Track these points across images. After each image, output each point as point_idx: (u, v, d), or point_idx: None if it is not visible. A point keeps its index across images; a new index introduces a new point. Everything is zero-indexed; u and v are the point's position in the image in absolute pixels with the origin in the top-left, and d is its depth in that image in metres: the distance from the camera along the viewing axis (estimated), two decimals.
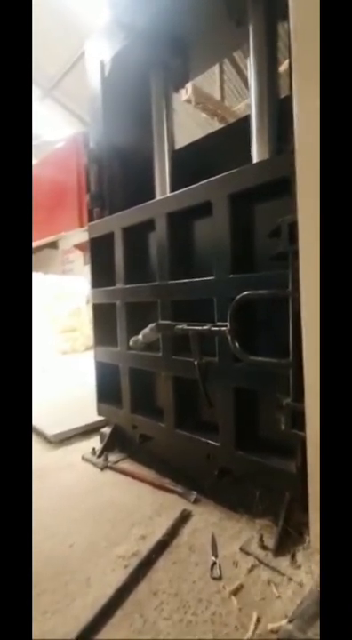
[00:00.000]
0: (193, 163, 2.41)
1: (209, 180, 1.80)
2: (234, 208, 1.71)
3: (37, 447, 2.80)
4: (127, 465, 2.37)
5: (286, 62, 1.64)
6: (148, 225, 2.16)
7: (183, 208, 1.96)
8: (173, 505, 1.91)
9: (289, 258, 1.39)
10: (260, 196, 1.69)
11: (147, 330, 2.12)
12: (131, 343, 2.27)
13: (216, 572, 1.44)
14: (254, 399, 1.85)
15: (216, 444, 1.85)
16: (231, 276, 1.70)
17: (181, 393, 2.09)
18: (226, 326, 1.66)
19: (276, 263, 1.52)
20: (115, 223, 2.39)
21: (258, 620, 1.22)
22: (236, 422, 1.77)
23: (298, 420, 1.38)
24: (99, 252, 2.58)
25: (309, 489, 1.30)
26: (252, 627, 1.20)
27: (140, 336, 2.18)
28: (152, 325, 2.07)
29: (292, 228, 1.32)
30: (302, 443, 1.35)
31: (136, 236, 2.35)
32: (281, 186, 1.44)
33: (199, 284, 1.87)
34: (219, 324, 1.73)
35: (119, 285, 2.38)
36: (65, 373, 5.46)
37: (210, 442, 1.87)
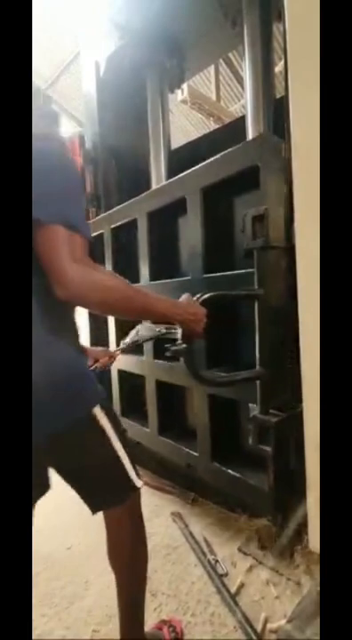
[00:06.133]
0: (189, 163, 2.40)
1: (183, 175, 1.71)
2: (207, 203, 1.59)
3: None
4: None
5: (281, 63, 1.64)
6: (133, 224, 2.09)
7: (162, 205, 1.87)
8: (170, 506, 1.91)
9: (254, 254, 1.30)
10: (235, 187, 1.58)
11: (132, 332, 2.07)
12: (120, 345, 2.23)
13: (221, 569, 1.45)
14: (233, 408, 1.74)
15: (195, 453, 1.74)
16: (204, 275, 1.60)
17: (165, 398, 2.01)
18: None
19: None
20: (104, 223, 2.35)
21: (266, 621, 1.22)
22: (212, 432, 1.65)
23: (265, 434, 1.29)
24: (92, 252, 2.55)
25: (307, 488, 1.30)
26: (260, 626, 1.20)
27: (128, 339, 2.13)
28: (138, 327, 2.03)
29: (256, 222, 1.27)
30: (274, 459, 1.28)
31: (124, 235, 2.28)
32: (255, 175, 1.35)
33: (175, 284, 1.78)
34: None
35: None
36: None
37: (190, 451, 1.77)
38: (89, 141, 2.71)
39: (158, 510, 1.88)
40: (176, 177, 1.75)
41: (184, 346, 1.19)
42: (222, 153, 1.51)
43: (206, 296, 1.21)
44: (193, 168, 1.66)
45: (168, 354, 1.33)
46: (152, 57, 2.41)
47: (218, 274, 1.55)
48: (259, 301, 1.31)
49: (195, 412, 1.73)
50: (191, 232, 1.66)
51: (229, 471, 1.56)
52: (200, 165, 1.61)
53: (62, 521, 1.85)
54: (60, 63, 6.76)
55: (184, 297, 1.13)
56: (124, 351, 1.88)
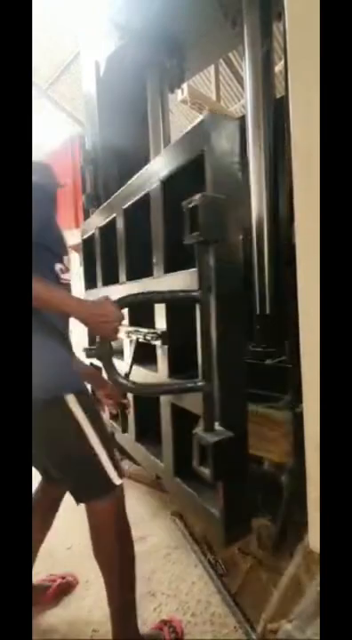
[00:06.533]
0: None
1: (144, 168, 1.57)
2: (171, 195, 1.42)
3: None
4: (124, 466, 2.36)
5: (281, 63, 1.64)
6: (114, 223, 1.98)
7: (134, 201, 1.72)
8: (170, 506, 1.91)
9: (195, 250, 1.10)
10: (196, 177, 1.33)
11: None
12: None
13: (221, 569, 1.45)
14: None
15: (162, 464, 1.59)
16: (165, 275, 1.45)
17: (142, 403, 1.86)
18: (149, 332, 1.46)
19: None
20: (94, 223, 2.32)
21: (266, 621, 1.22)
22: (174, 444, 1.48)
23: (206, 455, 1.08)
24: (89, 253, 2.51)
25: (308, 488, 1.30)
26: (260, 627, 1.20)
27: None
28: None
29: (194, 214, 1.07)
30: (221, 484, 1.14)
31: (111, 235, 2.14)
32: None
33: (140, 285, 1.65)
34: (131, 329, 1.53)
35: (100, 287, 2.31)
36: None
37: (158, 462, 1.62)
38: (89, 141, 2.71)
39: (158, 510, 1.88)
40: (141, 170, 1.60)
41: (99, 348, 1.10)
42: (175, 141, 1.36)
43: (121, 298, 1.09)
44: (154, 159, 1.51)
45: (87, 355, 1.31)
46: (152, 57, 2.41)
47: (175, 273, 1.37)
48: (199, 304, 1.11)
49: (161, 422, 1.57)
50: (156, 228, 1.51)
51: (186, 488, 1.37)
52: (159, 156, 1.45)
53: (62, 521, 1.85)
54: (60, 63, 6.76)
55: (100, 298, 1.08)
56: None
